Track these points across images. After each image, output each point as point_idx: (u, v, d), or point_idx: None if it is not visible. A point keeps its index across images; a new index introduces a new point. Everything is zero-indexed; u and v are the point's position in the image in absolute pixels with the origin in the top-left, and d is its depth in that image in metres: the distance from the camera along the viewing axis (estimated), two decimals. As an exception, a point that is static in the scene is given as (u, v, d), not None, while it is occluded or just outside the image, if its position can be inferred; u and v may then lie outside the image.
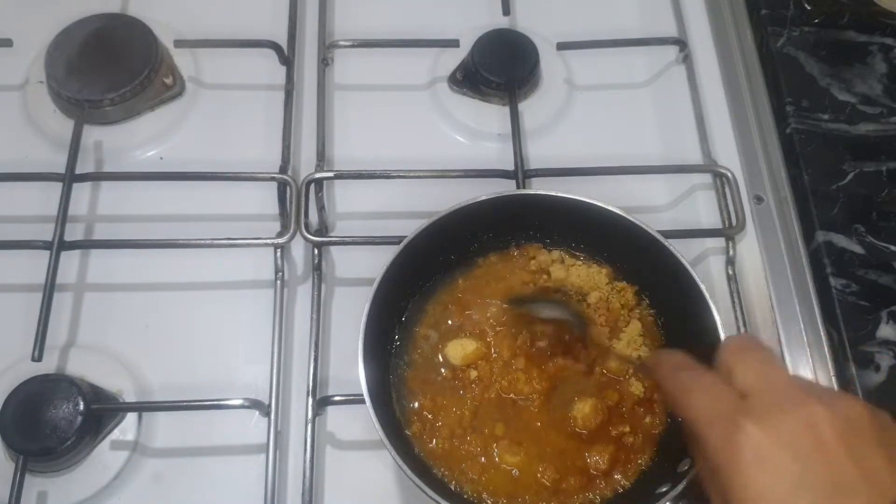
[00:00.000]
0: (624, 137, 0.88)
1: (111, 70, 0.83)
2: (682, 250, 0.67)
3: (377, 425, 0.59)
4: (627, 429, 0.65)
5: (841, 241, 0.78)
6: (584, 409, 0.65)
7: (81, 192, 0.79)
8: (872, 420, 0.47)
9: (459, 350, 0.67)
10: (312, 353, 0.71)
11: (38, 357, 0.67)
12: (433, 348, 0.69)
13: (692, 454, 0.53)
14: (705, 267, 0.79)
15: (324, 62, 0.87)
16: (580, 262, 0.73)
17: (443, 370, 0.68)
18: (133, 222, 0.80)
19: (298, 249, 0.79)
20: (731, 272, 0.77)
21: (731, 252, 0.77)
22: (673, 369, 0.54)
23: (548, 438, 0.65)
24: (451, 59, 0.89)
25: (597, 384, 0.67)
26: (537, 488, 0.63)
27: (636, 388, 0.67)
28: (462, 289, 0.72)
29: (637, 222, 0.68)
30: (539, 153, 0.84)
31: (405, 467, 0.58)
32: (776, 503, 0.44)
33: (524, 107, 0.87)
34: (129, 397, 0.71)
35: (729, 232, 0.77)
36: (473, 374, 0.67)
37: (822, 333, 0.76)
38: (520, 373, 0.67)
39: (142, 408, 0.71)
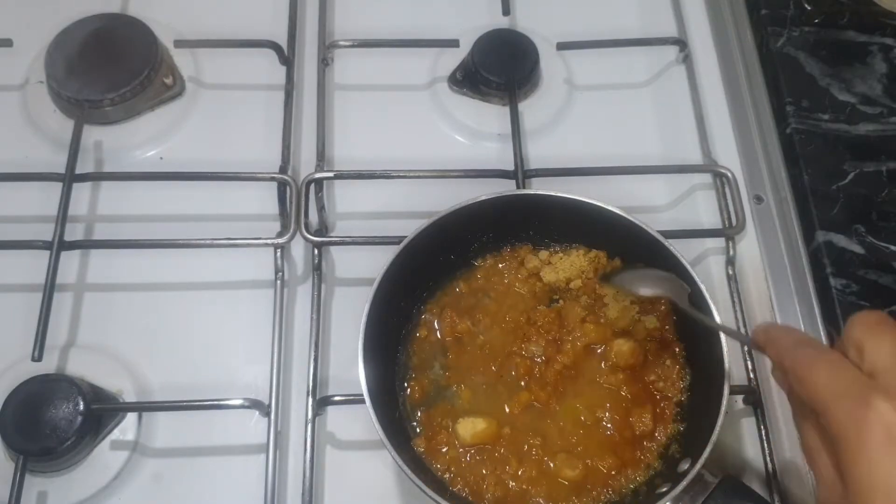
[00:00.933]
0: (624, 137, 0.88)
1: (111, 70, 0.83)
2: (682, 250, 0.67)
3: (377, 425, 0.59)
4: (654, 377, 0.67)
5: (841, 241, 0.78)
6: (622, 347, 0.67)
7: (81, 192, 0.79)
8: None
9: (470, 427, 0.65)
10: (312, 353, 0.71)
11: (38, 357, 0.67)
12: (433, 352, 0.69)
13: (798, 426, 0.52)
14: (705, 267, 0.79)
15: (324, 62, 0.87)
16: (561, 254, 0.72)
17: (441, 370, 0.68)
18: (133, 222, 0.80)
19: (298, 249, 0.79)
20: (731, 272, 0.77)
21: (731, 252, 0.77)
22: (792, 345, 0.52)
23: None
24: (451, 59, 0.89)
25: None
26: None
27: (650, 321, 0.68)
28: (463, 290, 0.72)
29: (637, 222, 0.68)
30: (539, 153, 0.84)
31: (405, 467, 0.58)
32: None
33: (524, 107, 0.87)
34: (129, 397, 0.71)
35: (729, 232, 0.77)
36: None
37: (822, 333, 0.76)
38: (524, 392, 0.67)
39: (142, 408, 0.71)
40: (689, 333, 0.68)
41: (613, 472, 0.64)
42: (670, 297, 0.65)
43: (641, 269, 0.68)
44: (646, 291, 0.66)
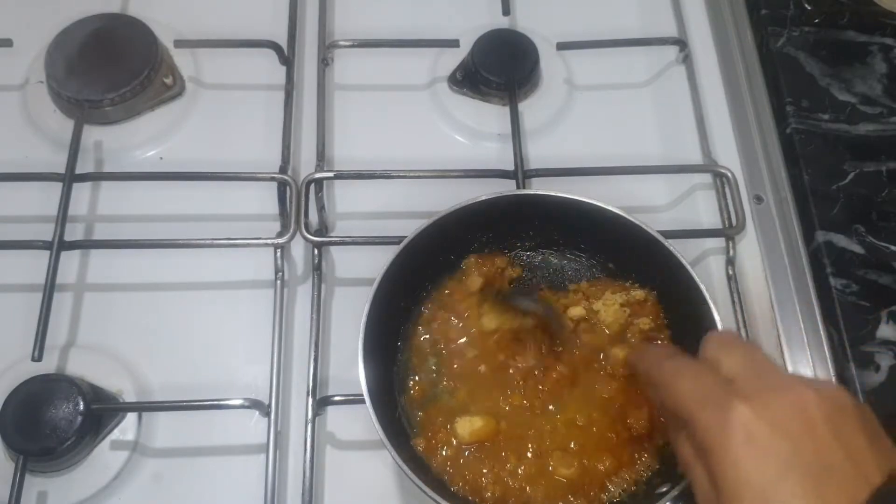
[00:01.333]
0: (624, 137, 0.88)
1: (111, 70, 0.83)
2: (682, 250, 0.67)
3: (377, 425, 0.59)
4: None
5: (841, 241, 0.78)
6: (618, 355, 0.67)
7: (81, 192, 0.79)
8: (855, 406, 0.48)
9: (468, 426, 0.65)
10: (312, 353, 0.71)
11: (38, 357, 0.67)
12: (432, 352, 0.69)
13: (673, 441, 0.53)
14: (705, 267, 0.79)
15: (324, 62, 0.87)
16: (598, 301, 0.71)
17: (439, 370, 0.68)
18: (133, 222, 0.80)
19: (298, 249, 0.79)
20: (731, 272, 0.77)
21: (731, 252, 0.77)
22: (658, 360, 0.55)
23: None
24: (451, 59, 0.89)
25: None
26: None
27: (644, 322, 0.69)
28: (452, 293, 0.72)
29: (637, 222, 0.68)
30: (539, 153, 0.84)
31: (405, 467, 0.58)
32: (765, 481, 0.45)
33: (524, 107, 0.87)
34: (129, 397, 0.71)
35: (729, 232, 0.77)
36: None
37: (822, 333, 0.76)
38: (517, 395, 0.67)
39: (142, 408, 0.71)
40: (686, 334, 0.68)
41: (611, 473, 0.64)
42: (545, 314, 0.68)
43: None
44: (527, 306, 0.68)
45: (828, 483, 0.44)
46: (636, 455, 0.65)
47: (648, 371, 0.56)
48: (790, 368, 0.74)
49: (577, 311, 0.69)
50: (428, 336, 0.70)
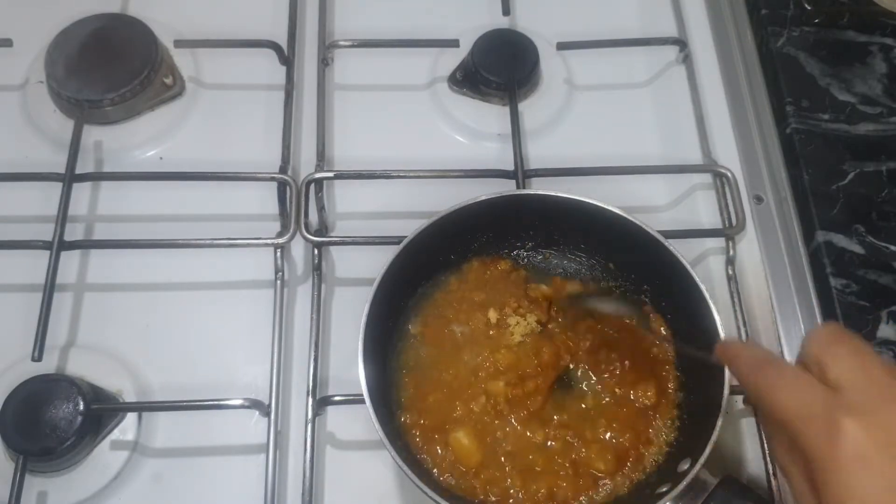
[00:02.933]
0: (624, 137, 0.88)
1: (111, 70, 0.83)
2: (682, 250, 0.67)
3: (377, 425, 0.59)
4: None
5: (841, 241, 0.78)
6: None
7: (81, 192, 0.79)
8: None
9: (457, 443, 0.65)
10: (312, 353, 0.71)
11: (38, 357, 0.67)
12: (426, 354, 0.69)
13: (768, 439, 0.53)
14: (705, 267, 0.79)
15: (324, 62, 0.87)
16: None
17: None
18: (133, 222, 0.80)
19: (298, 249, 0.79)
20: (731, 272, 0.77)
21: (731, 252, 0.77)
22: (754, 365, 0.52)
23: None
24: (451, 59, 0.89)
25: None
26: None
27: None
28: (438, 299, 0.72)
29: (637, 222, 0.68)
30: (539, 153, 0.84)
31: (405, 467, 0.58)
32: (872, 500, 0.44)
33: (524, 107, 0.87)
34: (129, 397, 0.71)
35: (729, 232, 0.77)
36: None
37: (822, 334, 0.76)
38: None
39: (142, 408, 0.71)
40: (686, 334, 0.68)
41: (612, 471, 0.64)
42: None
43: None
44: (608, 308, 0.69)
45: None
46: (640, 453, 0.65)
47: (744, 376, 0.53)
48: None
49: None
50: (420, 337, 0.70)
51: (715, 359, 0.57)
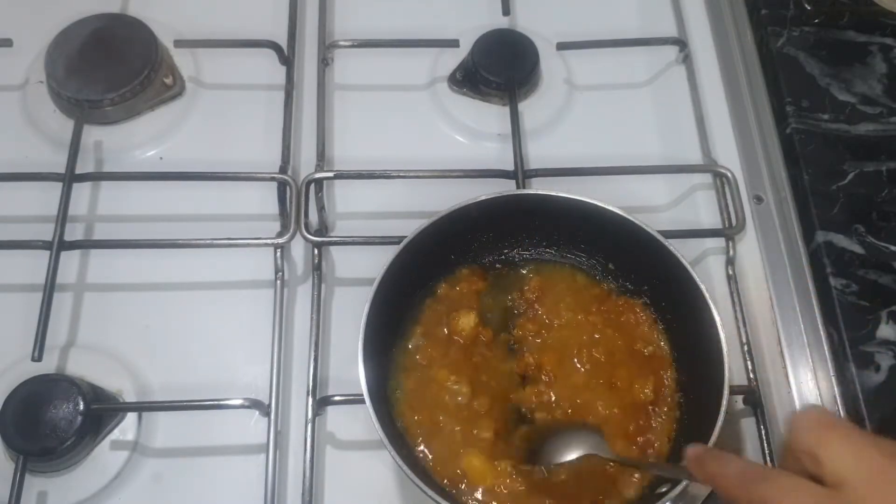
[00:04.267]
0: (624, 137, 0.88)
1: (111, 70, 0.83)
2: (682, 250, 0.67)
3: (377, 425, 0.59)
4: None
5: (841, 241, 0.78)
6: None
7: (81, 192, 0.79)
8: None
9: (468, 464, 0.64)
10: (312, 353, 0.71)
11: (38, 357, 0.67)
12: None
13: None
14: (705, 267, 0.79)
15: (324, 62, 0.87)
16: None
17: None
18: (133, 222, 0.80)
19: (298, 249, 0.79)
20: (731, 272, 0.77)
21: (731, 252, 0.77)
22: (744, 482, 0.47)
23: None
24: (451, 59, 0.89)
25: None
26: None
27: None
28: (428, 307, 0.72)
29: (637, 222, 0.68)
30: (539, 153, 0.84)
31: (405, 467, 0.58)
32: None
33: (524, 107, 0.87)
34: (129, 397, 0.71)
35: (729, 232, 0.77)
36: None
37: (822, 333, 0.76)
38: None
39: (142, 408, 0.71)
40: (686, 334, 0.68)
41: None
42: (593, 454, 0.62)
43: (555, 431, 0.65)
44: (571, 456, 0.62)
45: None
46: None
47: (733, 495, 0.48)
48: (790, 369, 0.74)
49: None
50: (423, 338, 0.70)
51: (686, 474, 0.53)
